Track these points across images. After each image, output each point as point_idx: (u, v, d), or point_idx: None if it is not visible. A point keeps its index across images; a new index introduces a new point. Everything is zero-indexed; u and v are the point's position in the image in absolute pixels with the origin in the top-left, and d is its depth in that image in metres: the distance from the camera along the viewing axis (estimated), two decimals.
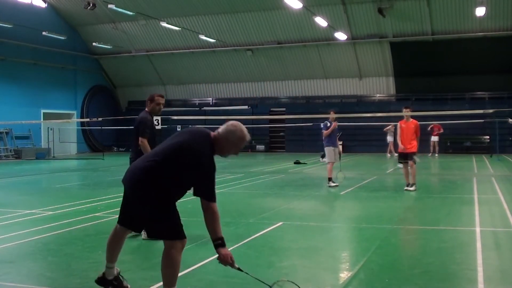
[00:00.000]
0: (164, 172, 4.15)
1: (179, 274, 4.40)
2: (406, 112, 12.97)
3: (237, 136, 4.28)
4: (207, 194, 4.15)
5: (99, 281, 4.67)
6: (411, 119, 12.76)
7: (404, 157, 12.71)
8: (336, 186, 13.32)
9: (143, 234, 6.83)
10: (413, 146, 12.55)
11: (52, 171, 20.65)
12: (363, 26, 29.37)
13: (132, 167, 4.42)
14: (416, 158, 13.26)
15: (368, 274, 5.49)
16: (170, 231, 4.20)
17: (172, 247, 4.18)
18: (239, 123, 4.38)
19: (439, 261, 5.93)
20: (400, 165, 13.96)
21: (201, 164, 4.13)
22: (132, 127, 7.41)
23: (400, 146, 12.75)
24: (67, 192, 13.68)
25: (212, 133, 4.33)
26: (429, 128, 27.06)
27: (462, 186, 13.92)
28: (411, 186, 12.50)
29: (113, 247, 4.62)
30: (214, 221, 4.14)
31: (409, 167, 12.62)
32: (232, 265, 4.18)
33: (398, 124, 13.05)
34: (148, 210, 4.20)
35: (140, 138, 7.02)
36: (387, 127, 25.56)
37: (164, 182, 4.16)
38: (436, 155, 27.48)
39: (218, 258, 4.17)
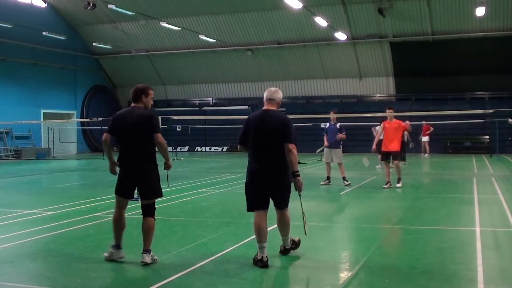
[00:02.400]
0: (280, 151, 5.71)
1: (179, 274, 5.25)
2: (389, 113, 13.52)
3: (281, 94, 6.10)
4: (293, 139, 5.70)
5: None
6: (394, 119, 13.30)
7: (387, 156, 13.27)
8: (349, 184, 13.50)
9: (144, 257, 5.89)
10: (394, 145, 13.04)
11: (52, 171, 20.65)
12: (363, 26, 29.37)
13: (267, 165, 5.82)
14: (402, 162, 14.06)
15: (368, 274, 5.49)
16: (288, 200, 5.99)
17: (287, 211, 6.01)
18: (271, 88, 6.06)
19: (439, 261, 5.93)
20: (378, 166, 15.17)
21: (287, 124, 5.76)
22: None
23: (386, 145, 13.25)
24: (67, 192, 13.67)
25: (269, 105, 5.90)
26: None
27: (462, 186, 13.90)
28: (398, 182, 13.01)
29: (264, 229, 5.84)
30: (295, 157, 5.70)
31: (392, 166, 13.47)
32: (300, 190, 5.86)
33: (382, 124, 13.53)
34: (286, 186, 5.89)
35: (159, 135, 6.23)
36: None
37: (282, 155, 5.71)
38: (426, 155, 27.25)
39: (296, 183, 5.78)
